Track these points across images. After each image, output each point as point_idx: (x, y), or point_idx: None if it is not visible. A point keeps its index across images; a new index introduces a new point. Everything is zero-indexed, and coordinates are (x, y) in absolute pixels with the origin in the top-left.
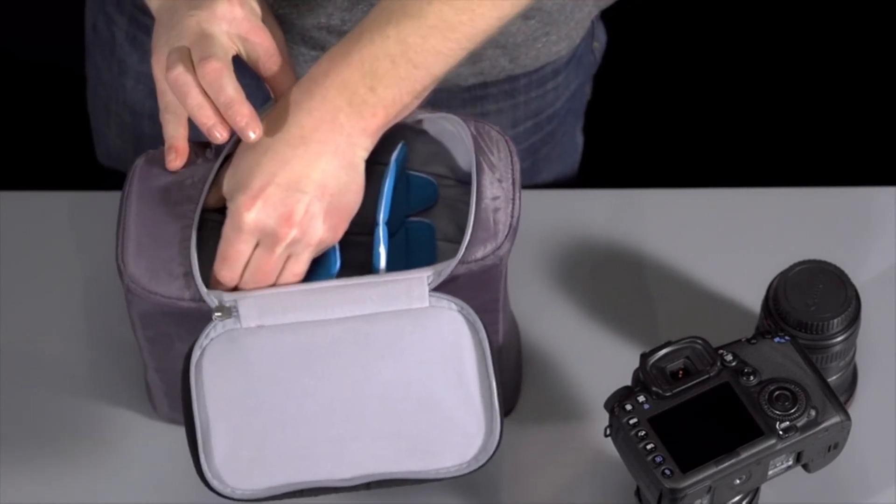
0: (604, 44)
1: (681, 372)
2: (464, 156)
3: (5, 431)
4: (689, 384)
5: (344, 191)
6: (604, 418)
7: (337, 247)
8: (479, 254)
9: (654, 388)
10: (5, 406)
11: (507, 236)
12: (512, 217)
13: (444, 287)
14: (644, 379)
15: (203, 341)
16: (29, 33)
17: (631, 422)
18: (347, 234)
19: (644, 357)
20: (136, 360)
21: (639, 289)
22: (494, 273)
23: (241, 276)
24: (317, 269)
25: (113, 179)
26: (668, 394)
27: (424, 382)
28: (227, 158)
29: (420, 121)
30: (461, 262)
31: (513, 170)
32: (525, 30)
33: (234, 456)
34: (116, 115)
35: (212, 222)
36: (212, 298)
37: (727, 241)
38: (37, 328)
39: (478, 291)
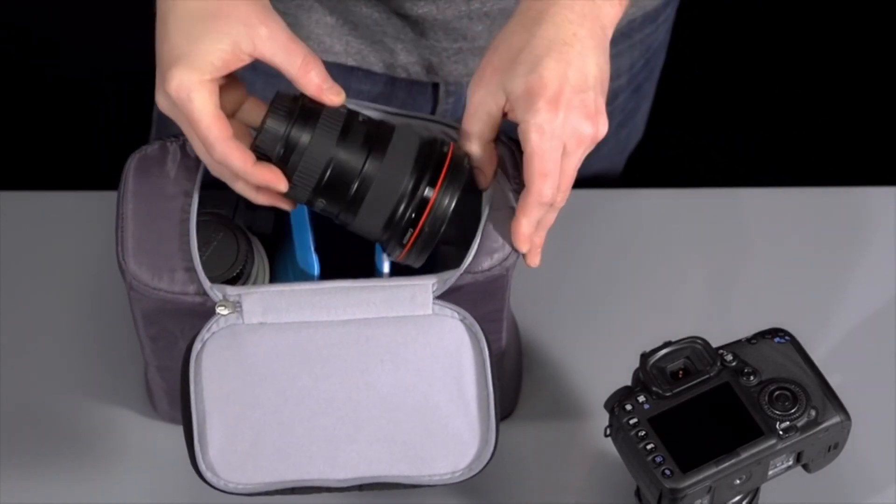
0: None
1: (681, 372)
2: None
3: (5, 431)
4: (689, 384)
5: (607, 79)
6: (604, 418)
7: (315, 256)
8: (486, 265)
9: (654, 388)
10: (5, 406)
11: (514, 248)
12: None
13: (449, 295)
14: (644, 379)
15: (205, 334)
16: (30, 33)
17: (631, 422)
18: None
19: (644, 357)
20: (136, 360)
21: (639, 289)
22: (500, 283)
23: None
24: (297, 274)
25: (115, 180)
26: (668, 394)
27: (422, 389)
28: None
29: (423, 127)
30: (467, 271)
31: (521, 181)
32: None
33: (229, 450)
34: None
35: (208, 217)
36: (216, 292)
37: (727, 241)
38: (37, 328)
39: (482, 301)
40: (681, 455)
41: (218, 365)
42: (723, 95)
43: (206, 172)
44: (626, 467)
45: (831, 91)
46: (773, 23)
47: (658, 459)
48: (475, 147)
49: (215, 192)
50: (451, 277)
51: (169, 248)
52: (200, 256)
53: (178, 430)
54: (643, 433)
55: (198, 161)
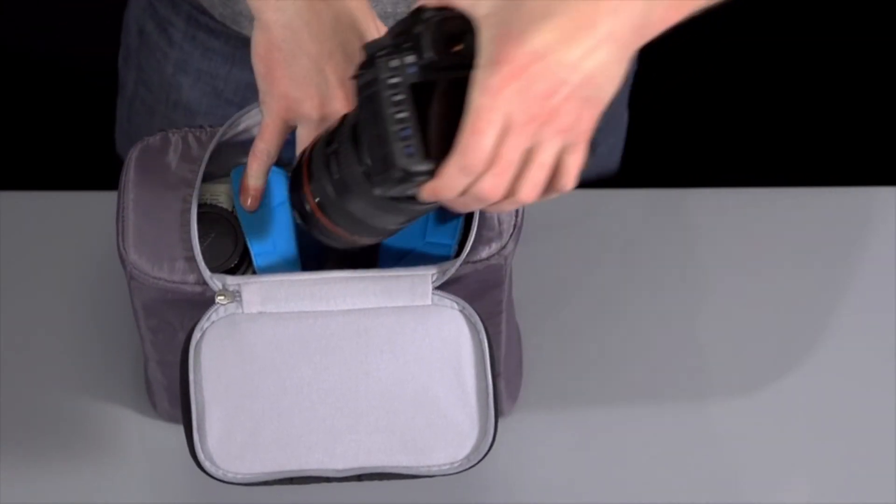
0: None
1: (461, 45)
2: None
3: (5, 431)
4: (468, 61)
5: (609, 86)
6: (604, 419)
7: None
8: (484, 253)
9: (426, 53)
10: (5, 405)
11: (511, 236)
12: (517, 217)
13: (448, 286)
14: (420, 35)
15: (204, 324)
16: (29, 33)
17: (391, 81)
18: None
19: (420, 11)
20: (136, 360)
21: (639, 288)
22: (499, 273)
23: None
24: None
25: (115, 179)
26: (442, 65)
27: (422, 380)
28: (221, 143)
29: None
30: (465, 261)
31: None
32: None
33: (228, 439)
34: (164, 116)
35: (207, 209)
36: (215, 282)
37: (727, 240)
38: (37, 328)
39: (482, 292)
40: (430, 137)
41: (217, 354)
42: (723, 95)
43: (208, 164)
44: (372, 139)
45: (831, 91)
46: (774, 21)
47: (405, 133)
48: None
49: (214, 185)
50: (450, 268)
51: (169, 237)
52: (201, 241)
53: (178, 429)
54: (401, 97)
55: (200, 152)
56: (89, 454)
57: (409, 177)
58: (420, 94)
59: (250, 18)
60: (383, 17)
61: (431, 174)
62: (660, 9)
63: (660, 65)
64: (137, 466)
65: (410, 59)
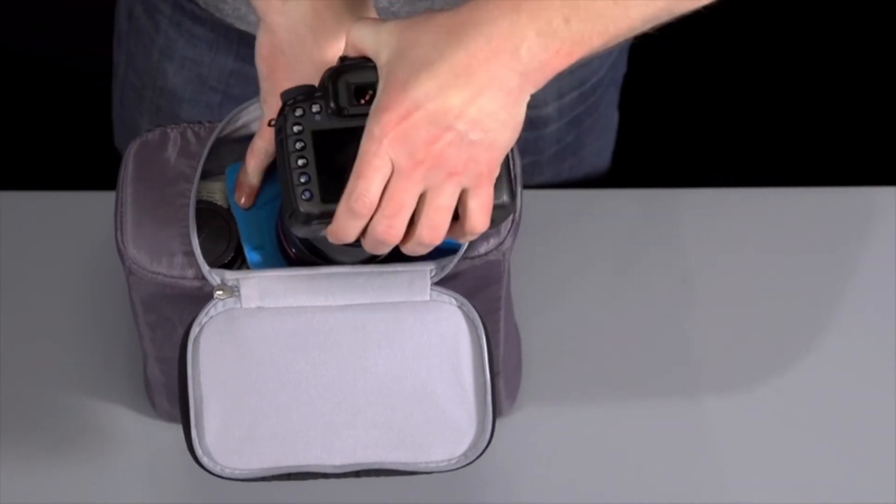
0: None
1: (368, 94)
2: None
3: (5, 431)
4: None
5: (500, 129)
6: (602, 417)
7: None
8: (483, 249)
9: (331, 101)
10: (5, 405)
11: (509, 232)
12: (515, 212)
13: (447, 282)
14: (331, 87)
15: (202, 318)
16: (29, 33)
17: (295, 128)
18: None
19: (343, 61)
20: (135, 360)
21: (639, 288)
22: (497, 269)
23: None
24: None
25: (115, 179)
26: (346, 113)
27: (420, 375)
28: (219, 139)
29: None
30: (464, 257)
31: (514, 165)
32: None
33: (226, 435)
34: (151, 101)
35: (202, 205)
36: (214, 277)
37: (727, 241)
38: (37, 327)
39: (480, 288)
40: (328, 182)
41: (215, 349)
42: (722, 94)
43: (205, 161)
44: (281, 184)
45: (831, 90)
46: (773, 20)
47: (303, 179)
48: None
49: (211, 183)
50: (449, 263)
51: (168, 232)
52: (199, 236)
53: (176, 428)
54: (301, 145)
55: (199, 147)
56: (88, 453)
57: (309, 220)
58: (325, 141)
59: (233, 6)
60: (387, 17)
61: (328, 217)
62: (546, 55)
63: (651, 65)
64: (136, 465)
65: (316, 107)
